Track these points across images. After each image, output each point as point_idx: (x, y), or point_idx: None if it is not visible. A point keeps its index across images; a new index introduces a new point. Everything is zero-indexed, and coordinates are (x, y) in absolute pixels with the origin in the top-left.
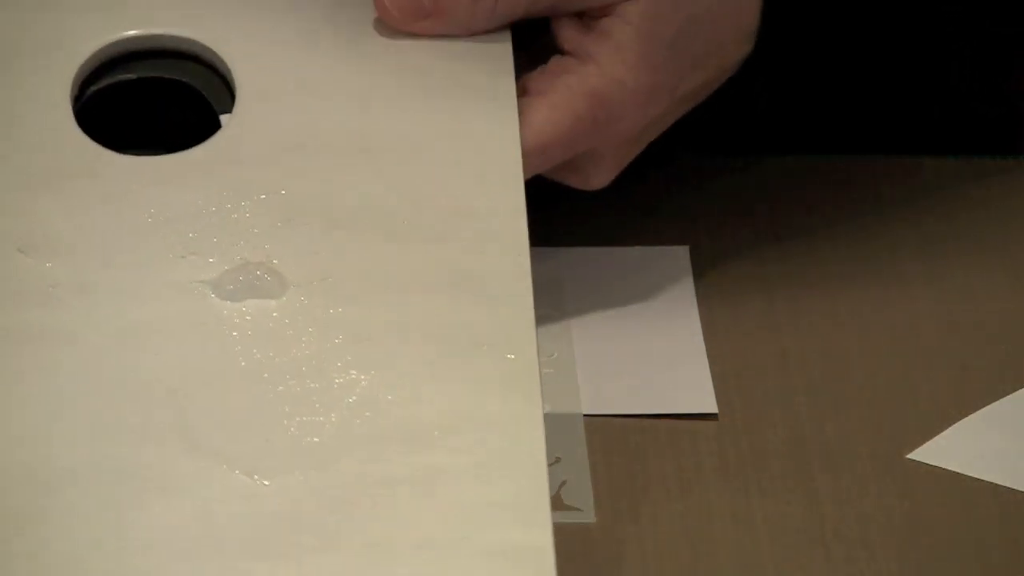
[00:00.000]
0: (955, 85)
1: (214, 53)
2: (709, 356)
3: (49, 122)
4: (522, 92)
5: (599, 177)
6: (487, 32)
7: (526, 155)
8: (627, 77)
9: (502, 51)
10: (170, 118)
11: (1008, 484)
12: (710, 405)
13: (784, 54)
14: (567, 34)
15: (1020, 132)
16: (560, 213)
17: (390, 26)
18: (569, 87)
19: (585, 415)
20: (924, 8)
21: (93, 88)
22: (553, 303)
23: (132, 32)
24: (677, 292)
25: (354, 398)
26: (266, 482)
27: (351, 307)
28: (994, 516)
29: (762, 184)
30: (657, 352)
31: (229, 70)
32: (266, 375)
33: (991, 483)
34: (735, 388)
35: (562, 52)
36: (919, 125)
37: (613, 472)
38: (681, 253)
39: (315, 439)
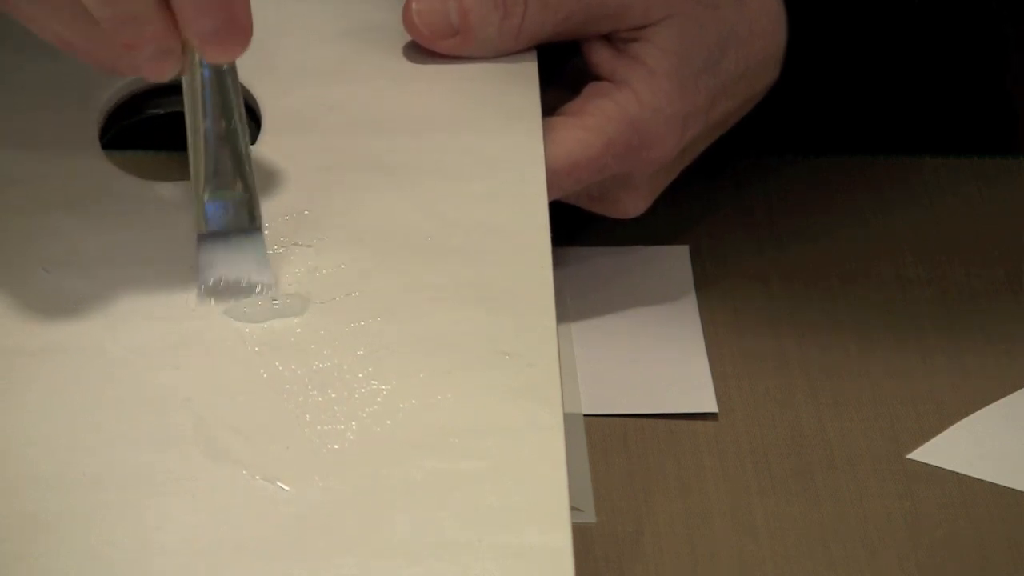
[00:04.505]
0: (955, 85)
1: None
2: (709, 356)
3: (75, 152)
4: (555, 114)
5: (634, 205)
6: (514, 53)
7: (554, 174)
8: (663, 104)
9: (528, 70)
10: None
11: (1008, 484)
12: (710, 405)
13: (786, 57)
14: (598, 59)
15: (1020, 132)
16: (560, 213)
17: (419, 43)
18: (603, 110)
19: (585, 415)
20: (924, 9)
21: (121, 124)
22: None
23: None
24: (677, 292)
25: (375, 407)
26: (286, 487)
27: (374, 320)
28: (994, 516)
29: (762, 184)
30: (657, 352)
31: (256, 101)
32: (287, 386)
33: (991, 483)
34: (735, 388)
35: (595, 77)
36: (919, 125)
37: (613, 472)
38: (681, 253)
39: (335, 446)
